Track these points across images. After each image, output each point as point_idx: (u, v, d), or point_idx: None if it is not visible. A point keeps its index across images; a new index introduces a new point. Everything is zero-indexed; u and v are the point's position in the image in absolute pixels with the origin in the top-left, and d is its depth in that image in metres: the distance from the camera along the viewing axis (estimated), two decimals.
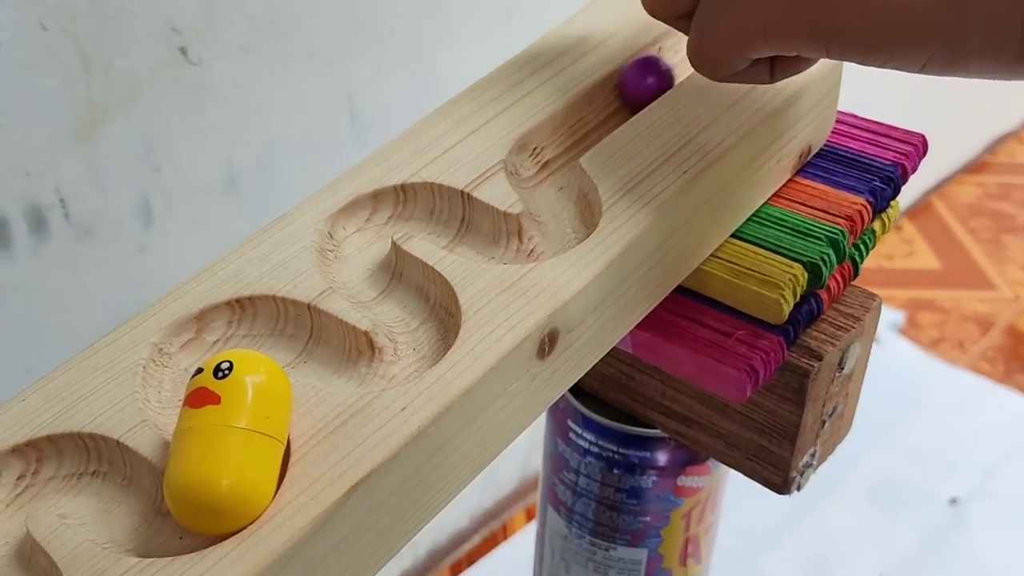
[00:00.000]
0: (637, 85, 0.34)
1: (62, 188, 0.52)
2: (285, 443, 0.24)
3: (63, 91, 0.50)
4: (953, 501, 0.87)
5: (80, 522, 0.25)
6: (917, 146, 0.36)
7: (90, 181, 0.53)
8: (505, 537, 0.91)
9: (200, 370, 0.24)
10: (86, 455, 0.26)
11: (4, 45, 0.47)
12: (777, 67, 0.30)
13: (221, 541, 0.23)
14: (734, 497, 0.44)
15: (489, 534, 0.92)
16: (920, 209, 1.38)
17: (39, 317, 0.54)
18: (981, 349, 1.16)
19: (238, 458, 0.22)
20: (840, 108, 0.36)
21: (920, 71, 0.27)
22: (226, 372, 0.23)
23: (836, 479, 0.86)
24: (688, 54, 0.30)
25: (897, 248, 1.31)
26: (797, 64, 0.30)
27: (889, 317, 1.09)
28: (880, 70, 0.28)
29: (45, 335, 0.54)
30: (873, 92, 0.38)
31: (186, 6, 0.53)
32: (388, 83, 0.65)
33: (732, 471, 0.39)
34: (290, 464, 0.24)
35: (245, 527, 0.23)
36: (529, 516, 0.93)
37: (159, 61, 0.53)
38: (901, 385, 0.98)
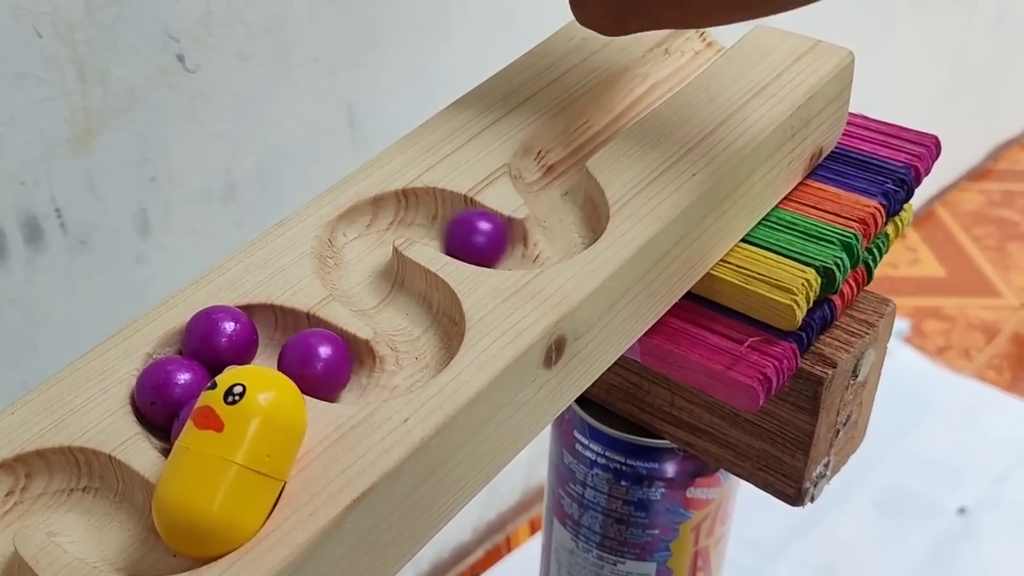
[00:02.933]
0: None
1: (58, 198, 0.51)
2: (284, 481, 0.23)
3: (59, 99, 0.50)
4: (962, 510, 0.86)
5: (70, 540, 0.24)
6: (930, 147, 0.35)
7: (86, 191, 0.52)
8: (509, 550, 0.90)
9: (214, 384, 0.23)
10: (77, 470, 0.25)
11: None
12: None
13: (215, 560, 0.22)
14: (740, 509, 0.43)
15: (492, 547, 0.91)
16: (924, 217, 1.37)
17: (35, 330, 0.53)
18: (987, 357, 1.15)
19: (225, 492, 0.22)
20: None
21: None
22: (236, 398, 0.22)
23: (843, 489, 0.85)
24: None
25: (902, 256, 1.30)
26: None
27: (894, 325, 1.08)
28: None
29: (41, 348, 0.53)
30: (874, 101, 0.37)
31: (183, 13, 0.52)
32: (389, 92, 0.65)
33: (742, 482, 0.38)
34: (289, 479, 0.23)
35: (227, 553, 0.22)
36: (533, 529, 0.92)
37: (156, 69, 0.52)
38: (907, 394, 0.97)
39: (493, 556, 0.90)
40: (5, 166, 0.49)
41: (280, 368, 0.26)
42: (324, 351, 0.26)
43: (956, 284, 1.27)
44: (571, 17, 0.37)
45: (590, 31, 0.35)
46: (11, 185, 0.49)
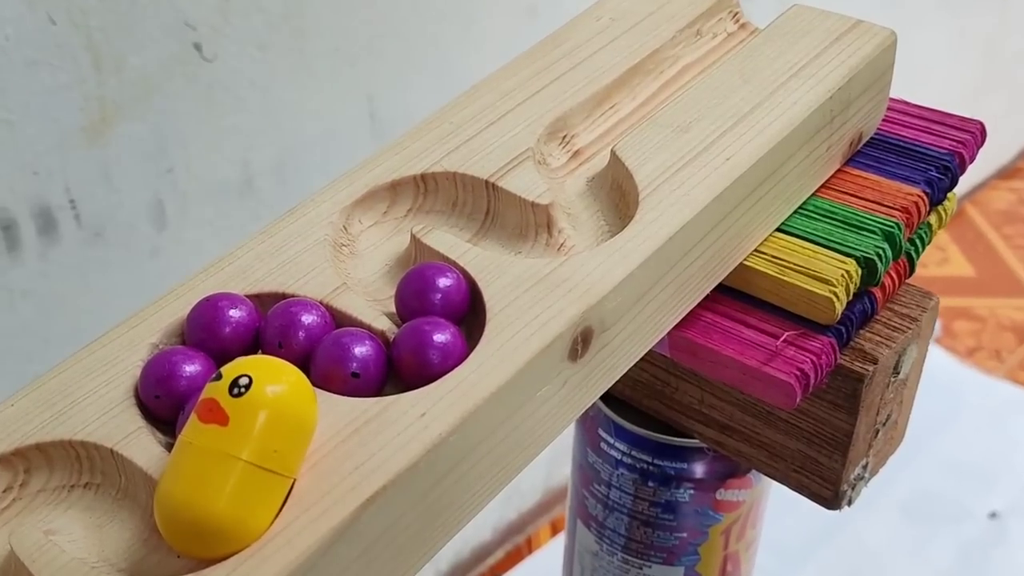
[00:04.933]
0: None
1: (72, 189, 0.50)
2: (293, 478, 0.22)
3: (73, 88, 0.49)
4: (993, 515, 0.84)
5: (69, 539, 0.23)
6: (975, 134, 0.33)
7: (101, 182, 0.51)
8: (530, 551, 0.89)
9: (219, 375, 0.21)
10: (78, 465, 0.24)
11: (11, 40, 0.46)
12: None
13: (221, 561, 0.21)
14: (766, 511, 0.41)
15: (513, 548, 0.90)
16: (953, 215, 1.35)
17: (48, 322, 0.52)
18: (1019, 358, 1.13)
19: (231, 491, 0.20)
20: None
21: None
22: (242, 390, 0.21)
23: (870, 493, 0.83)
24: None
25: (930, 255, 1.28)
26: None
27: None
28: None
29: (54, 342, 0.53)
30: (902, 97, 0.36)
31: (201, 0, 0.51)
32: (410, 83, 0.64)
33: (773, 485, 0.36)
34: (299, 475, 0.22)
35: (233, 553, 0.21)
36: (554, 529, 0.91)
37: (173, 57, 0.51)
38: (937, 396, 0.95)
39: (514, 557, 0.88)
40: (19, 156, 0.48)
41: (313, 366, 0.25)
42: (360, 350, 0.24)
43: (986, 284, 1.24)
44: (595, 1, 0.36)
45: (620, 10, 0.34)
46: (24, 175, 0.49)
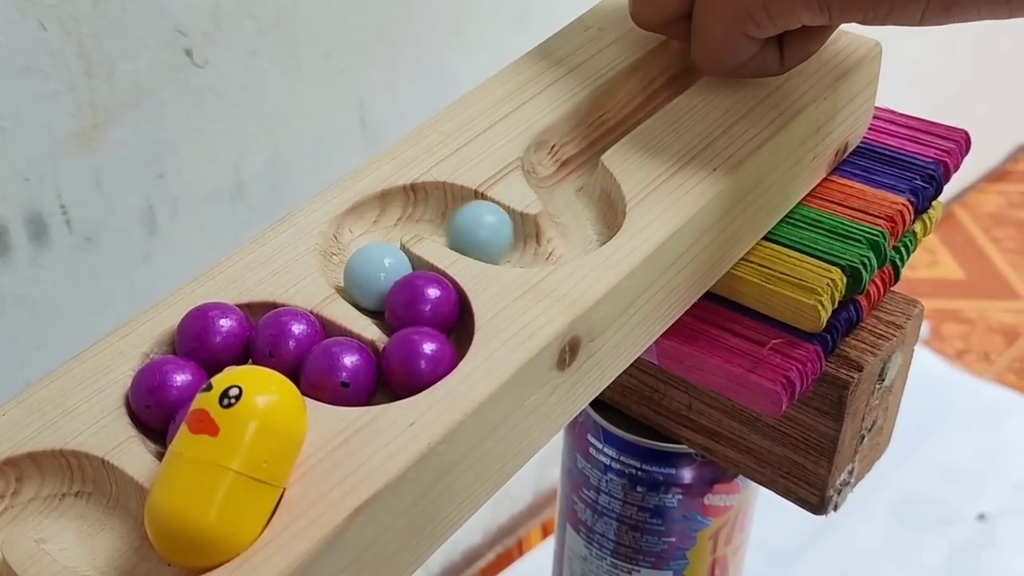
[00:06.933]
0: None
1: (63, 195, 0.50)
2: (283, 488, 0.22)
3: (64, 94, 0.49)
4: (981, 517, 0.84)
5: (60, 547, 0.23)
6: (960, 143, 0.34)
7: (92, 187, 0.51)
8: (520, 554, 0.89)
9: (209, 386, 0.22)
10: (69, 474, 0.24)
11: (3, 46, 0.46)
12: (786, 50, 0.29)
13: (211, 570, 0.21)
14: (756, 513, 0.42)
15: (504, 551, 0.90)
16: (943, 218, 1.36)
17: (40, 328, 0.52)
18: (1008, 361, 1.14)
19: (221, 501, 0.21)
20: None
21: (920, 22, 0.26)
22: (232, 401, 0.21)
23: (860, 495, 0.83)
24: (692, 55, 0.29)
25: (920, 258, 1.29)
26: (806, 45, 0.29)
27: None
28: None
29: (46, 347, 0.53)
30: (893, 101, 0.36)
31: (192, 7, 0.51)
32: (401, 89, 0.64)
33: (762, 489, 0.37)
34: (288, 485, 0.22)
35: (223, 563, 0.21)
36: (545, 532, 0.91)
37: (164, 64, 0.52)
38: (926, 398, 0.95)
39: (504, 559, 0.89)
40: (10, 162, 0.48)
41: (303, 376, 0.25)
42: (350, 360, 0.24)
43: (976, 286, 1.25)
44: (586, 10, 0.36)
45: (607, 20, 0.34)
46: (16, 181, 0.49)
